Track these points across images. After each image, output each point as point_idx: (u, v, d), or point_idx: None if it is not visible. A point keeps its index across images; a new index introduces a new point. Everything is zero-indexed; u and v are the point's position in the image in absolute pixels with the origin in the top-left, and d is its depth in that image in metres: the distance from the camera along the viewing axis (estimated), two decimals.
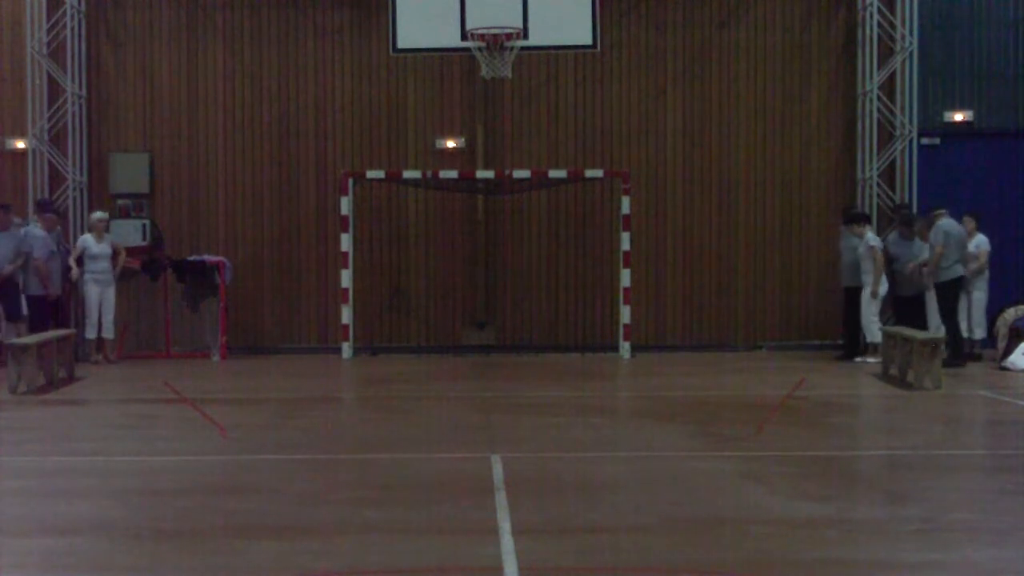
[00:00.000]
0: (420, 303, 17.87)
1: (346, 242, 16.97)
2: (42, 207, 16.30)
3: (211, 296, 17.14)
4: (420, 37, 16.47)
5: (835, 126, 17.85)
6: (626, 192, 16.99)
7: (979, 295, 16.16)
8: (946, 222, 15.53)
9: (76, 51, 17.49)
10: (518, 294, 17.87)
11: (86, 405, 13.13)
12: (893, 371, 14.14)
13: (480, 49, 16.06)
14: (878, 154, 17.35)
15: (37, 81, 17.26)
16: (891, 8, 17.37)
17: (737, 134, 17.83)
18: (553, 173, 17.14)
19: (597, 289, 17.72)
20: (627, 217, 16.96)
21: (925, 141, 17.61)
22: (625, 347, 16.96)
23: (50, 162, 17.34)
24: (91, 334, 16.35)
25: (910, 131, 17.31)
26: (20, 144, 17.57)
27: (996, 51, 17.76)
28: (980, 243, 16.21)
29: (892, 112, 17.37)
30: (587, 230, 17.77)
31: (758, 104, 17.82)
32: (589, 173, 17.18)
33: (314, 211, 17.81)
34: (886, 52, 17.39)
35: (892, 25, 17.31)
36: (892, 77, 17.40)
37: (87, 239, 16.39)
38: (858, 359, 16.06)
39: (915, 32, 17.28)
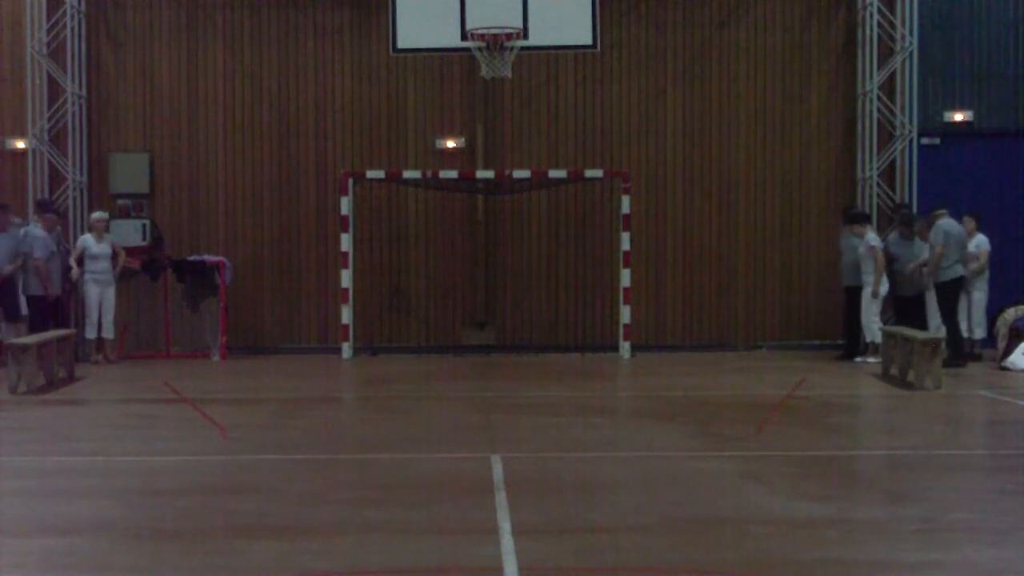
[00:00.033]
0: (420, 303, 17.87)
1: (346, 242, 16.97)
2: (42, 207, 16.30)
3: (211, 296, 17.14)
4: (420, 37, 16.48)
5: (835, 126, 17.85)
6: (626, 192, 16.99)
7: (979, 295, 16.16)
8: (946, 222, 15.53)
9: (76, 51, 17.49)
10: (518, 294, 17.87)
11: (86, 405, 13.13)
12: (893, 371, 14.14)
13: (480, 49, 16.06)
14: (878, 154, 17.35)
15: (37, 81, 17.26)
16: (891, 8, 17.37)
17: (737, 134, 17.83)
18: (553, 173, 17.14)
19: (597, 289, 17.72)
20: (627, 217, 16.97)
21: (925, 141, 17.61)
22: (625, 347, 16.96)
23: (50, 162, 17.34)
24: (91, 334, 16.36)
25: (910, 131, 17.31)
26: (20, 144, 17.57)
27: (996, 51, 17.76)
28: (980, 243, 16.21)
29: (892, 112, 17.37)
30: (587, 230, 17.77)
31: (758, 104, 17.82)
32: (589, 173, 17.18)
33: (314, 211, 17.81)
34: (886, 52, 17.39)
35: (892, 25, 17.31)
36: (892, 77, 17.40)
37: (87, 239, 16.39)
38: (858, 359, 16.06)
39: (915, 32, 17.28)
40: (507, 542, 6.65)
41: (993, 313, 16.07)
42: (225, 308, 17.07)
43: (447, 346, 17.70)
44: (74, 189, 17.49)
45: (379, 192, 17.66)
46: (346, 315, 17.00)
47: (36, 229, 15.66)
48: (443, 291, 17.88)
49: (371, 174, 17.19)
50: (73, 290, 16.62)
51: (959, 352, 15.25)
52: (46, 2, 17.28)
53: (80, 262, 16.31)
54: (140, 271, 17.12)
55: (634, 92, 17.83)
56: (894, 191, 17.44)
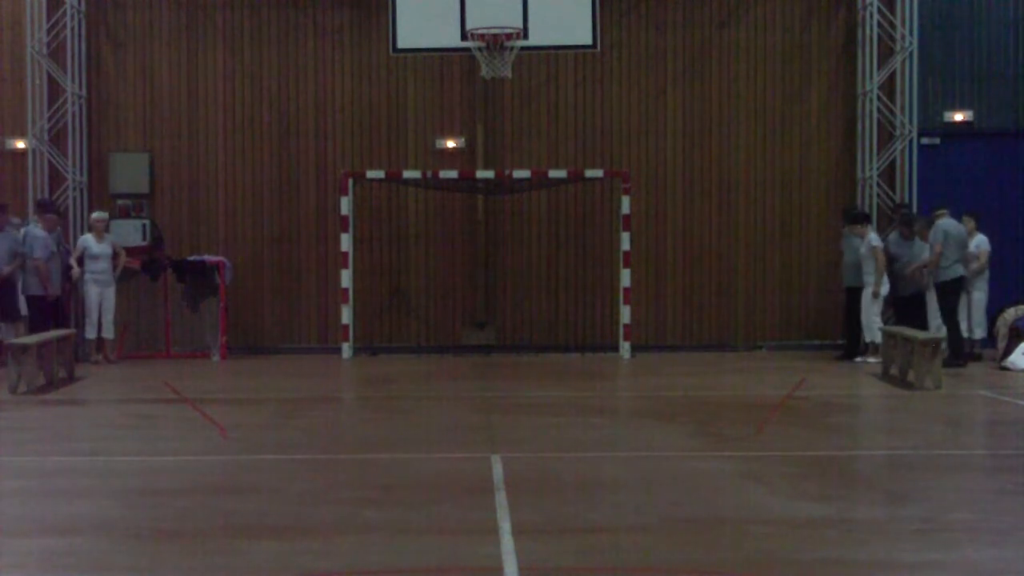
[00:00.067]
0: (420, 303, 17.87)
1: (346, 242, 16.98)
2: (43, 207, 16.29)
3: (211, 296, 17.14)
4: (420, 37, 16.48)
5: (835, 126, 17.85)
6: (626, 192, 16.99)
7: (979, 295, 16.16)
8: (946, 222, 15.53)
9: (76, 51, 17.49)
10: (518, 294, 17.87)
11: (86, 405, 13.13)
12: (893, 371, 14.14)
13: (480, 49, 16.06)
14: (878, 154, 17.35)
15: (37, 81, 17.26)
16: (891, 8, 17.37)
17: (737, 134, 17.83)
18: (553, 173, 17.14)
19: (597, 289, 17.72)
20: (627, 217, 16.97)
21: (925, 141, 17.61)
22: (625, 347, 16.96)
23: (50, 162, 17.34)
24: (91, 334, 16.36)
25: (910, 131, 17.31)
26: (20, 144, 17.57)
27: (996, 51, 17.77)
28: (980, 243, 16.21)
29: (892, 112, 17.37)
30: (587, 230, 17.77)
31: (758, 104, 17.82)
32: (589, 173, 17.18)
33: (314, 211, 17.81)
34: (886, 52, 17.39)
35: (892, 25, 17.31)
36: (892, 77, 17.40)
37: (87, 239, 16.39)
38: (858, 359, 16.05)
39: (915, 32, 17.28)
40: (507, 542, 6.65)
41: (993, 313, 16.07)
42: (225, 308, 17.07)
43: (447, 346, 17.70)
44: (74, 189, 17.49)
45: (379, 192, 17.66)
46: (346, 315, 17.00)
47: (36, 229, 15.65)
48: (443, 291, 17.88)
49: (371, 174, 17.19)
50: (73, 290, 16.62)
51: (959, 352, 15.25)
52: (46, 2, 17.28)
53: (80, 262, 16.31)
54: (140, 271, 17.13)
55: (634, 92, 17.83)
56: (894, 191, 17.44)
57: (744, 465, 8.94)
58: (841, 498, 8.01)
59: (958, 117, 17.77)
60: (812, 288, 17.82)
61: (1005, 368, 14.95)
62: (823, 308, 17.70)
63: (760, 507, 7.65)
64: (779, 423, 10.92)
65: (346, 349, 16.96)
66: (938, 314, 15.59)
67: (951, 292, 15.39)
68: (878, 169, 17.36)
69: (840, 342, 16.95)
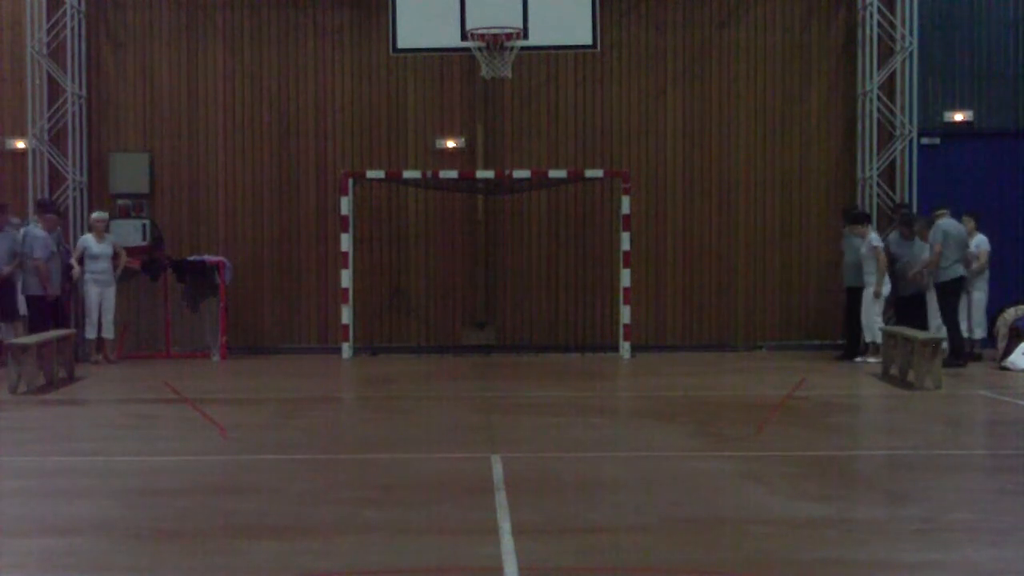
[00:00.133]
0: (420, 303, 17.87)
1: (346, 242, 16.98)
2: (43, 207, 16.28)
3: (211, 296, 17.15)
4: (420, 37, 16.48)
5: (835, 126, 17.85)
6: (626, 192, 16.99)
7: (979, 295, 16.16)
8: (945, 222, 15.53)
9: (76, 51, 17.49)
10: (518, 294, 17.87)
11: (86, 405, 13.13)
12: (893, 371, 14.14)
13: (480, 49, 16.06)
14: (878, 154, 17.36)
15: (37, 81, 17.26)
16: (891, 8, 17.37)
17: (737, 134, 17.83)
18: (553, 173, 17.14)
19: (597, 289, 17.72)
20: (627, 217, 16.97)
21: (925, 141, 17.61)
22: (625, 347, 16.96)
23: (50, 162, 17.34)
24: (91, 334, 16.36)
25: (910, 131, 17.31)
26: (20, 144, 17.57)
27: (996, 51, 17.77)
28: (980, 243, 16.21)
29: (892, 112, 17.37)
30: (587, 230, 17.77)
31: (758, 104, 17.82)
32: (589, 173, 17.18)
33: (314, 211, 17.81)
34: (886, 52, 17.39)
35: (892, 25, 17.31)
36: (892, 77, 17.40)
37: (88, 239, 16.40)
38: (858, 359, 16.05)
39: (915, 32, 17.28)
40: (507, 542, 6.65)
41: (993, 313, 16.07)
42: (225, 308, 17.07)
43: (447, 346, 17.70)
44: (74, 189, 17.49)
45: (379, 192, 17.66)
46: (346, 315, 17.01)
47: (36, 229, 15.64)
48: (443, 291, 17.88)
49: (371, 174, 17.19)
50: (73, 290, 16.62)
51: (959, 352, 15.25)
52: (46, 2, 17.29)
53: (80, 262, 16.31)
54: (140, 271, 17.13)
55: (634, 92, 17.83)
56: (894, 191, 17.44)
57: (744, 465, 8.94)
58: (841, 498, 8.01)
59: (958, 117, 17.77)
60: (812, 288, 17.83)
61: (1005, 368, 14.95)
62: (823, 308, 17.70)
63: (760, 507, 7.65)
64: (779, 423, 10.92)
65: (346, 349, 16.96)
66: (938, 314, 15.58)
67: (951, 292, 15.39)
68: (878, 169, 17.36)
69: (840, 342, 16.95)
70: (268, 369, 16.00)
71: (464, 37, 16.07)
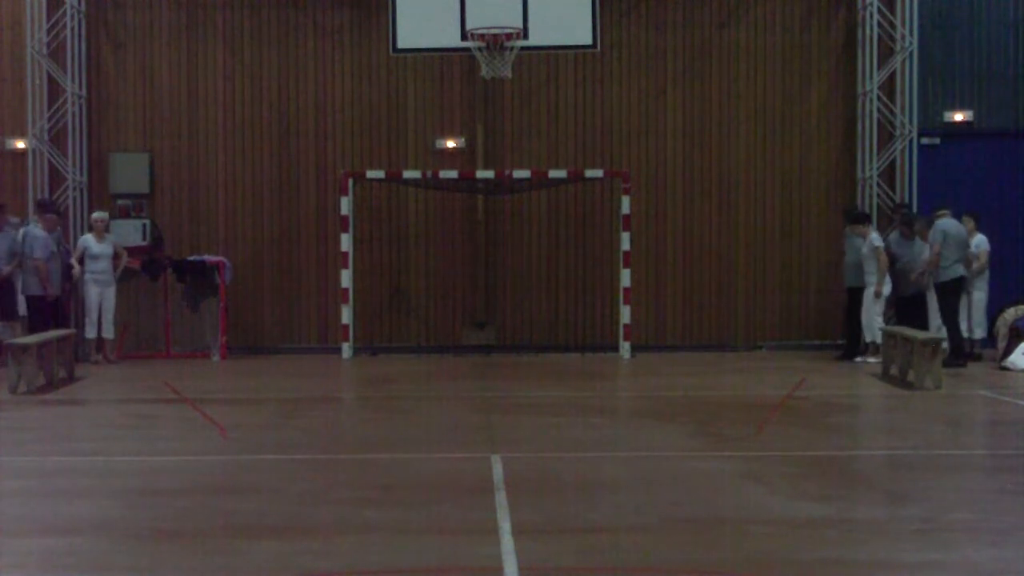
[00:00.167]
0: (420, 303, 17.87)
1: (346, 242, 16.98)
2: (43, 207, 16.28)
3: (211, 296, 17.15)
4: (420, 37, 16.48)
5: (835, 126, 17.85)
6: (626, 192, 16.99)
7: (979, 295, 16.16)
8: (945, 222, 15.52)
9: (76, 51, 17.49)
10: (518, 294, 17.87)
11: (86, 405, 13.13)
12: (893, 371, 14.14)
13: (480, 49, 16.06)
14: (878, 154, 17.35)
15: (37, 81, 17.26)
16: (891, 8, 17.37)
17: (737, 134, 17.83)
18: (553, 173, 17.14)
19: (597, 289, 17.72)
20: (627, 217, 16.96)
21: (925, 141, 17.62)
22: (625, 347, 16.96)
23: (50, 162, 17.34)
24: (91, 334, 16.36)
25: (910, 131, 17.31)
26: (20, 144, 17.57)
27: (996, 51, 17.77)
28: (980, 243, 16.21)
29: (892, 112, 17.37)
30: (587, 230, 17.77)
31: (758, 104, 17.82)
32: (589, 173, 17.18)
33: (314, 211, 17.81)
34: (886, 52, 17.39)
35: (892, 25, 17.31)
36: (892, 77, 17.40)
37: (88, 239, 16.40)
38: (858, 359, 16.05)
39: (915, 32, 17.28)
40: (507, 542, 6.66)
41: (993, 313, 16.07)
42: (225, 308, 17.07)
43: (447, 346, 17.70)
44: (74, 189, 17.49)
45: (379, 192, 17.66)
46: (346, 315, 17.00)
47: (36, 229, 15.64)
48: (443, 291, 17.88)
49: (371, 174, 17.19)
50: (73, 290, 16.62)
51: (959, 352, 15.25)
52: (46, 2, 17.28)
53: (80, 262, 16.31)
54: (140, 271, 17.13)
55: (634, 92, 17.83)
56: (894, 191, 17.44)
57: (744, 465, 8.95)
58: (841, 498, 8.01)
59: (958, 117, 17.77)
60: (812, 288, 17.82)
61: (1005, 368, 14.95)
62: (823, 308, 17.70)
63: (760, 507, 7.65)
64: (779, 423, 10.93)
65: (346, 349, 16.96)
66: (938, 314, 15.58)
67: (951, 292, 15.39)
68: (878, 169, 17.36)
69: (840, 342, 16.95)
70: (268, 369, 16.00)
71: (464, 37, 16.07)
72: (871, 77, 17.30)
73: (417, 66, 17.69)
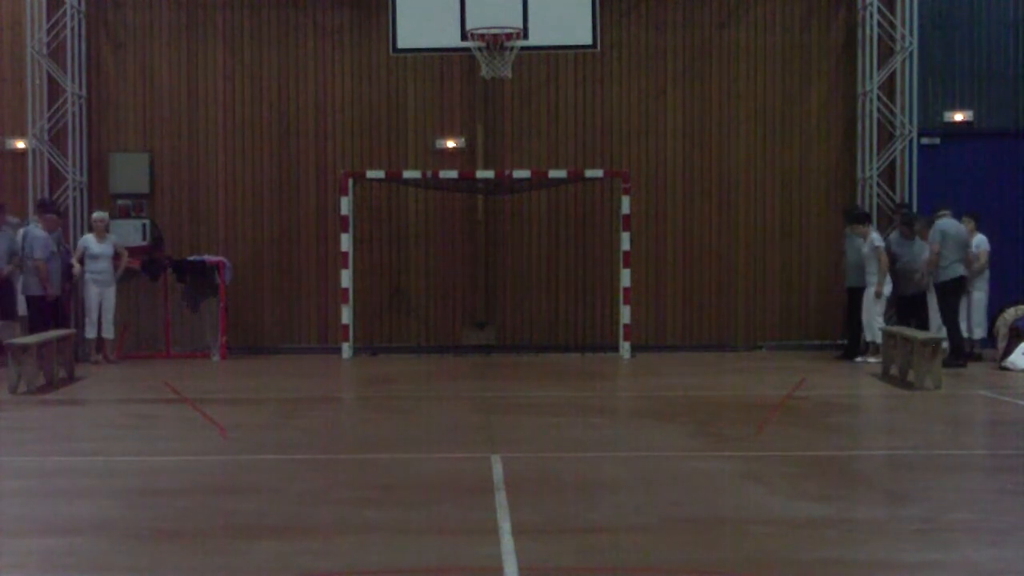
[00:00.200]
0: (420, 303, 17.87)
1: (346, 242, 16.98)
2: (43, 207, 16.28)
3: (211, 296, 17.15)
4: (420, 37, 16.48)
5: (835, 126, 17.85)
6: (626, 192, 16.99)
7: (979, 295, 16.16)
8: (944, 222, 15.53)
9: (76, 51, 17.49)
10: (518, 294, 17.87)
11: (86, 405, 13.13)
12: (893, 371, 14.14)
13: (480, 49, 16.06)
14: (878, 154, 17.35)
15: (37, 81, 17.26)
16: (891, 8, 17.37)
17: (737, 134, 17.83)
18: (553, 173, 17.14)
19: (597, 289, 17.72)
20: (627, 217, 16.97)
21: (925, 141, 17.62)
22: (625, 347, 16.96)
23: (50, 162, 17.34)
24: (91, 334, 16.36)
25: (910, 131, 17.31)
26: (20, 144, 17.57)
27: (996, 51, 17.77)
28: (980, 243, 16.21)
29: (892, 112, 17.37)
30: (587, 230, 17.77)
31: (758, 104, 17.82)
32: (589, 173, 17.18)
33: (314, 211, 17.81)
34: (886, 52, 17.39)
35: (892, 25, 17.31)
36: (892, 77, 17.40)
37: (88, 239, 16.40)
38: (858, 359, 16.05)
39: (915, 32, 17.28)
40: (507, 542, 6.66)
41: (993, 313, 16.07)
42: (225, 308, 17.07)
43: (447, 346, 17.70)
44: (74, 189, 17.49)
45: (379, 192, 17.66)
46: (346, 315, 17.00)
47: (36, 229, 15.64)
48: (443, 291, 17.88)
49: (371, 174, 17.19)
50: (73, 290, 16.63)
51: (959, 352, 15.25)
52: (46, 2, 17.28)
53: (81, 262, 16.31)
54: (140, 271, 17.13)
55: (634, 92, 17.83)
56: (894, 191, 17.44)
57: (744, 465, 8.95)
58: (841, 498, 8.01)
59: (958, 117, 17.77)
60: (812, 288, 17.83)
61: (1005, 368, 14.95)
62: (823, 308, 17.70)
63: (760, 507, 7.65)
64: (779, 423, 10.93)
65: (346, 349, 16.96)
66: (939, 314, 15.58)
67: (951, 292, 15.39)
68: (878, 169, 17.36)
69: (840, 342, 16.96)
70: (268, 369, 16.00)
71: (464, 37, 16.07)
72: (871, 77, 17.30)
73: (417, 66, 17.69)
